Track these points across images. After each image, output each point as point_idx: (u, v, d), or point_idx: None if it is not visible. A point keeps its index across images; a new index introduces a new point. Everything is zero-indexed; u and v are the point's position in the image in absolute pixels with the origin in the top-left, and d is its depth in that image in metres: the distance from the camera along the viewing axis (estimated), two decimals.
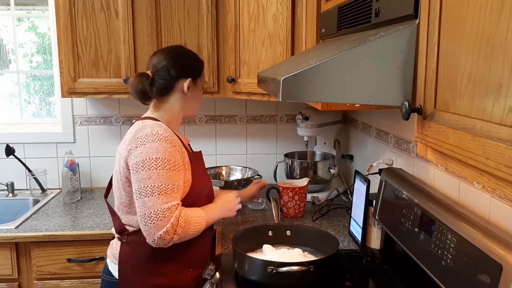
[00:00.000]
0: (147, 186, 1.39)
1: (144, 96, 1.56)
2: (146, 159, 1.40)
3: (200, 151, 1.65)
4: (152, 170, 1.40)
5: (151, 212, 1.38)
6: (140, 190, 1.40)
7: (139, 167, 1.41)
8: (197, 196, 1.53)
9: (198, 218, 1.47)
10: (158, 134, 1.43)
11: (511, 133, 0.60)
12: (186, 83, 1.55)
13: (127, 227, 1.52)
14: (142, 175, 1.40)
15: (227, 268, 1.60)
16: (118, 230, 1.54)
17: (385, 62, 0.95)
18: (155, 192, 1.39)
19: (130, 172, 1.45)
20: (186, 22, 2.25)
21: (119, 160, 1.49)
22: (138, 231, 1.50)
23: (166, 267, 1.51)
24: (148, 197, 1.39)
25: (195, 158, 1.58)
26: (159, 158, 1.40)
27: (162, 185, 1.40)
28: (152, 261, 1.50)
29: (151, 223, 1.38)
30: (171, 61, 1.55)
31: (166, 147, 1.42)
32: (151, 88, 1.54)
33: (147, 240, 1.42)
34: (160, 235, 1.38)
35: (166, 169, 1.41)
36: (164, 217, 1.38)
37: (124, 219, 1.53)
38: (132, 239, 1.51)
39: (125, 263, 1.51)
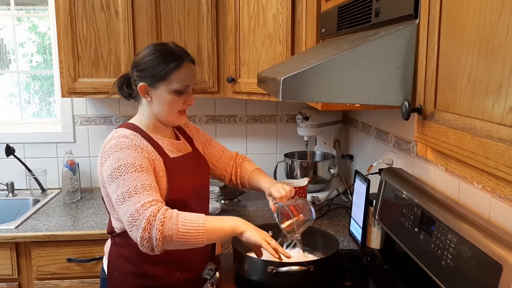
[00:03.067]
0: (119, 195, 1.35)
1: (122, 95, 1.59)
2: (111, 171, 1.37)
3: (185, 154, 1.58)
4: (118, 178, 1.36)
5: (128, 217, 1.31)
6: (116, 201, 1.36)
7: (109, 180, 1.38)
8: (175, 203, 1.42)
9: (192, 219, 1.31)
10: (122, 144, 1.40)
11: (511, 133, 0.60)
12: (139, 87, 1.49)
13: (115, 229, 1.53)
14: (113, 186, 1.37)
15: (227, 268, 1.60)
16: (108, 231, 1.56)
17: (385, 62, 0.95)
18: (125, 197, 1.33)
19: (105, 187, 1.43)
20: (186, 22, 2.25)
21: (98, 171, 1.48)
22: (124, 233, 1.45)
23: (151, 270, 1.48)
24: (122, 204, 1.34)
25: (174, 164, 1.50)
26: (121, 165, 1.36)
27: (130, 188, 1.33)
28: (138, 263, 1.48)
29: (132, 227, 1.30)
30: (137, 61, 1.51)
31: (129, 153, 1.39)
32: (129, 89, 1.56)
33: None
34: (141, 235, 1.27)
35: (131, 172, 1.35)
36: (139, 215, 1.28)
37: (113, 222, 1.53)
38: (118, 240, 1.52)
39: (113, 264, 1.52)
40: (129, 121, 1.56)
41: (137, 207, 1.29)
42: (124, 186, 1.34)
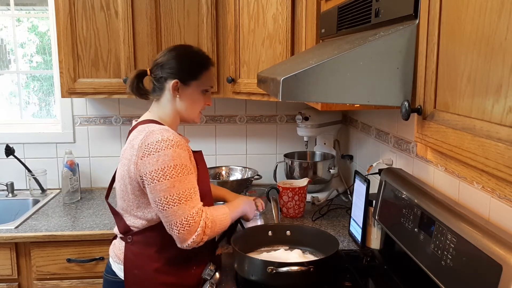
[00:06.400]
0: (173, 195, 1.41)
1: (139, 93, 1.61)
2: (165, 167, 1.40)
3: (201, 151, 1.65)
4: (174, 178, 1.41)
5: (182, 220, 1.41)
6: (167, 200, 1.41)
7: (159, 176, 1.40)
8: (203, 196, 1.53)
9: (223, 216, 1.53)
10: (169, 140, 1.43)
11: (511, 133, 0.60)
12: (171, 84, 1.55)
13: (132, 228, 1.53)
14: (166, 184, 1.40)
15: (227, 268, 1.60)
16: (122, 231, 1.55)
17: (385, 62, 0.95)
18: (182, 200, 1.41)
19: (143, 180, 1.44)
20: (186, 22, 2.25)
21: (128, 165, 1.47)
22: (143, 230, 1.51)
23: (171, 265, 1.53)
24: (177, 205, 1.41)
25: (199, 158, 1.59)
26: (177, 165, 1.42)
27: (186, 191, 1.42)
28: (158, 259, 1.51)
29: (183, 230, 1.41)
30: (166, 60, 1.56)
31: (180, 153, 1.44)
32: (144, 86, 1.59)
33: (178, 245, 1.45)
34: (193, 239, 1.42)
35: (186, 175, 1.43)
36: (194, 222, 1.42)
37: (130, 220, 1.53)
38: (137, 238, 1.52)
39: (131, 263, 1.52)
40: (145, 118, 1.58)
41: (193, 212, 1.43)
42: (180, 187, 1.42)
